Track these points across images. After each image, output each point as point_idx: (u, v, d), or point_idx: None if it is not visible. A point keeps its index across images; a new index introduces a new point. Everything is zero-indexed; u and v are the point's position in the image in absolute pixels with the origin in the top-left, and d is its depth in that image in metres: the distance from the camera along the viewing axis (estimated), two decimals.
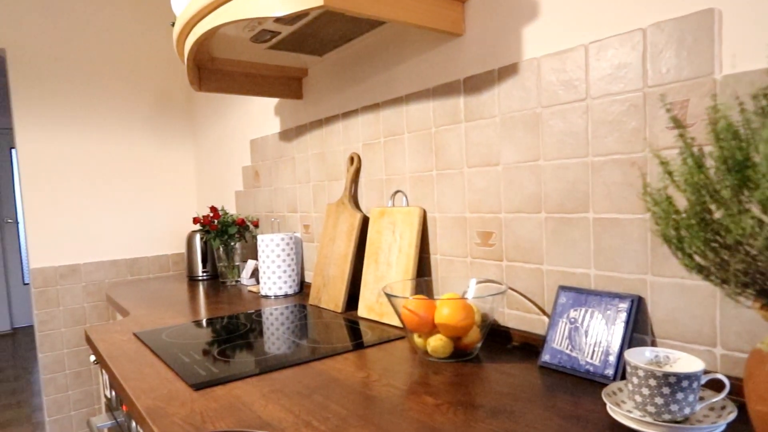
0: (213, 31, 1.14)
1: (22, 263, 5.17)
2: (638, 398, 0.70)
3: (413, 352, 1.11)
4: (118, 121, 2.72)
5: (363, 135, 1.53)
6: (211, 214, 2.06)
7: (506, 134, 1.10)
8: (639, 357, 0.76)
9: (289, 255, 1.80)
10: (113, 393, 1.26)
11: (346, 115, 1.59)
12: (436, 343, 1.04)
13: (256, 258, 2.20)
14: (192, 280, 2.32)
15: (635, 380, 0.71)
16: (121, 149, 2.73)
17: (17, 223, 5.11)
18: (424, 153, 1.32)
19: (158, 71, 2.83)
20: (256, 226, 2.16)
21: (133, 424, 1.06)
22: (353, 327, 1.34)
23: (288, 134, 1.91)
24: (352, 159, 1.57)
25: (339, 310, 1.51)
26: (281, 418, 0.80)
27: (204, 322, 1.47)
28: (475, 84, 1.16)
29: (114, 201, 2.72)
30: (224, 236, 2.05)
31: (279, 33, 1.35)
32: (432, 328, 1.05)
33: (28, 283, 5.22)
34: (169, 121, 2.88)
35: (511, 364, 1.01)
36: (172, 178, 2.90)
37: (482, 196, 1.17)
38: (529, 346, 1.10)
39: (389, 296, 1.07)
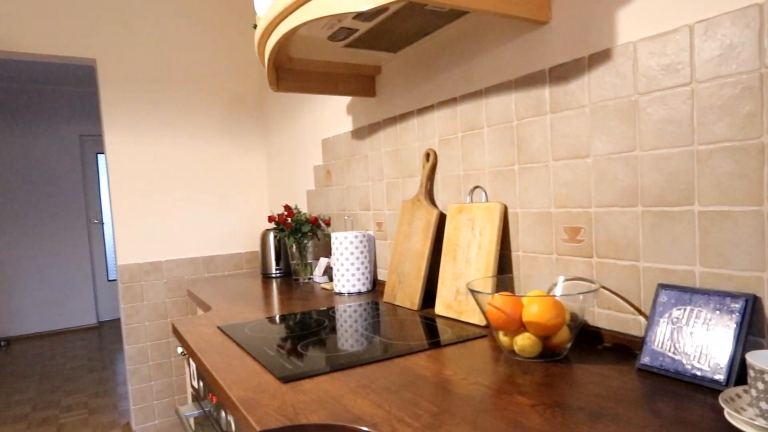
0: (295, 30, 1.16)
1: (106, 261, 5.52)
2: (764, 405, 0.64)
3: (497, 351, 1.07)
4: (195, 125, 2.84)
5: (439, 130, 1.51)
6: (286, 213, 2.11)
7: (597, 124, 1.05)
8: (764, 361, 0.69)
9: (362, 252, 1.81)
10: (201, 383, 1.31)
11: (422, 111, 1.58)
12: (524, 341, 1.00)
13: (327, 256, 2.23)
14: (266, 277, 2.39)
15: (761, 385, 0.65)
16: (198, 152, 2.85)
17: (102, 223, 5.47)
18: (505, 147, 1.28)
19: (231, 76, 2.94)
20: (328, 224, 2.19)
21: (223, 414, 1.09)
22: (430, 324, 1.32)
23: (360, 132, 1.92)
24: (427, 155, 1.55)
25: (415, 308, 1.50)
26: (372, 413, 0.80)
27: (281, 318, 1.50)
28: (561, 73, 1.11)
29: (192, 201, 2.84)
30: (298, 234, 2.09)
31: (356, 30, 1.35)
32: (519, 327, 1.01)
33: (111, 280, 5.57)
34: (241, 124, 2.98)
35: (604, 365, 0.95)
36: (245, 178, 3.00)
37: (570, 190, 1.12)
38: (623, 348, 1.04)
39: (473, 292, 1.04)
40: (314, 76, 1.64)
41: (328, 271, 2.10)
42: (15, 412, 3.22)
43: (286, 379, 0.96)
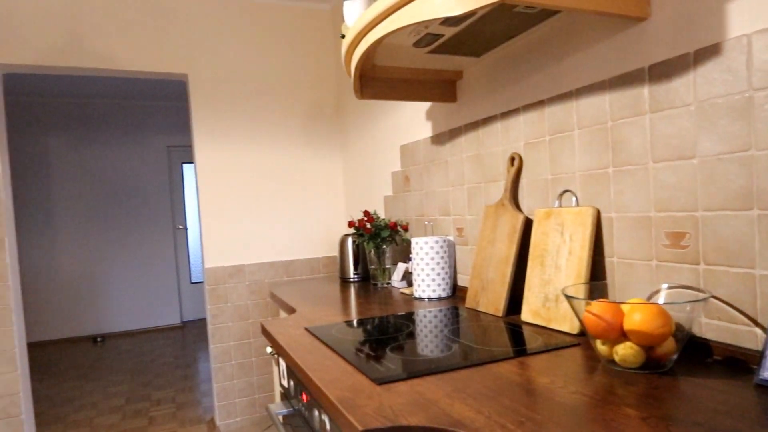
0: (384, 37, 1.18)
1: (189, 265, 5.84)
2: None
3: (592, 360, 1.03)
4: (277, 134, 2.96)
5: (525, 134, 1.48)
6: (365, 218, 2.14)
7: (704, 123, 0.99)
8: None
9: (442, 258, 1.80)
10: (291, 382, 1.35)
11: (506, 115, 1.56)
12: (626, 351, 0.96)
13: (405, 261, 2.24)
14: (344, 281, 2.43)
15: None
16: (279, 160, 2.96)
17: (186, 229, 5.79)
18: (598, 149, 1.24)
19: (310, 86, 3.03)
20: (406, 229, 2.20)
21: (316, 413, 1.11)
22: (516, 331, 1.29)
23: (440, 138, 1.92)
24: (512, 159, 1.53)
25: (499, 314, 1.47)
26: (472, 418, 0.79)
27: (364, 321, 1.52)
28: (663, 71, 1.06)
29: (273, 208, 2.96)
30: (377, 239, 2.12)
31: (441, 36, 1.36)
32: (619, 335, 0.97)
33: (194, 282, 5.88)
34: (320, 132, 3.06)
35: (716, 379, 0.89)
36: (322, 185, 3.08)
37: (672, 193, 1.06)
38: (736, 361, 0.97)
39: (569, 298, 1.01)
40: (396, 83, 1.66)
41: (406, 276, 2.11)
42: (111, 404, 3.46)
43: (380, 381, 0.97)
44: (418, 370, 1.02)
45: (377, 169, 2.56)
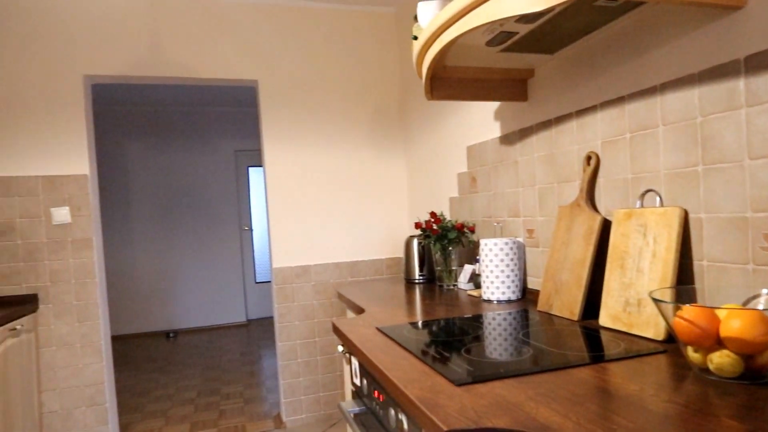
0: (459, 37, 1.17)
1: (254, 265, 6.03)
2: None
3: (682, 368, 0.98)
4: (342, 137, 3.01)
5: (602, 132, 1.43)
6: (432, 220, 2.14)
7: None
8: None
9: (512, 260, 1.77)
10: (364, 381, 1.36)
11: (581, 113, 1.51)
12: (723, 359, 0.90)
13: (471, 262, 2.22)
14: (409, 282, 2.44)
15: None
16: (344, 163, 3.01)
17: (251, 230, 5.99)
18: (686, 146, 1.18)
19: (373, 89, 3.07)
20: (473, 231, 2.18)
21: (392, 412, 1.12)
22: (593, 336, 1.25)
23: (510, 138, 1.89)
24: (588, 158, 1.48)
25: (575, 318, 1.43)
26: (560, 423, 0.77)
27: (433, 322, 1.52)
28: (761, 62, 1.00)
29: (338, 209, 3.01)
30: (443, 240, 2.11)
31: (516, 33, 1.34)
32: (713, 343, 0.92)
33: (259, 282, 6.07)
34: (384, 134, 3.09)
35: None
36: (386, 187, 3.10)
37: None
38: None
39: (658, 302, 0.96)
40: (466, 83, 1.65)
41: (473, 278, 2.09)
42: (184, 396, 3.63)
43: (459, 382, 0.97)
44: (496, 372, 1.01)
45: (442, 170, 2.55)
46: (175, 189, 5.66)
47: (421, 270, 2.39)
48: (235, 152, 5.83)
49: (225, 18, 2.81)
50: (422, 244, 2.36)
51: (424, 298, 2.00)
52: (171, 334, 5.50)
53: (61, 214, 2.56)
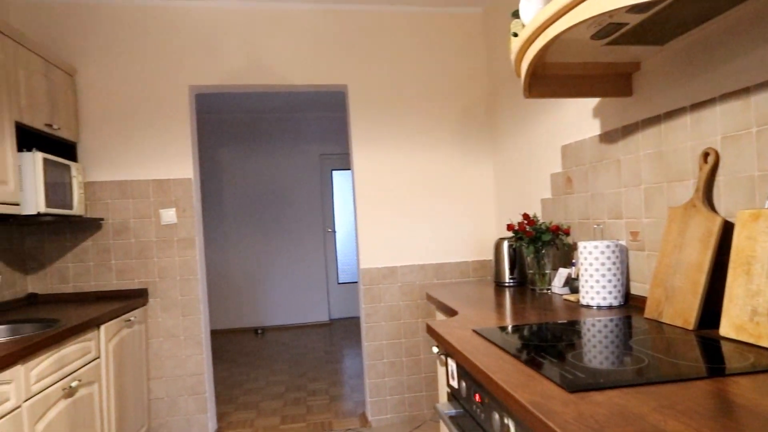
0: (565, 31, 1.13)
1: (337, 266, 6.18)
2: None
3: None
4: (429, 139, 3.01)
5: (723, 127, 1.33)
6: (525, 221, 2.08)
7: None
8: None
9: (614, 264, 1.68)
10: (462, 383, 1.35)
11: (697, 107, 1.41)
12: None
13: (566, 266, 2.13)
14: (499, 285, 2.39)
15: None
16: (430, 165, 3.01)
17: (334, 232, 6.15)
18: None
19: (461, 90, 3.04)
20: (567, 233, 2.10)
21: (495, 415, 1.10)
22: (713, 347, 1.15)
23: (611, 135, 1.80)
24: (705, 155, 1.38)
25: (690, 327, 1.33)
26: None
27: (530, 326, 1.47)
28: None
29: (424, 211, 3.01)
30: (537, 243, 2.04)
31: (625, 24, 1.27)
32: None
33: (341, 283, 6.21)
34: (470, 135, 3.06)
35: None
36: (473, 189, 3.06)
37: None
38: None
39: None
40: (566, 79, 1.59)
41: (569, 282, 2.01)
42: (273, 391, 3.78)
43: (572, 388, 0.93)
44: (612, 380, 0.96)
45: (533, 171, 2.47)
46: (264, 192, 5.92)
47: (511, 273, 2.34)
48: (320, 156, 6.02)
49: (316, 27, 2.91)
50: (513, 246, 2.30)
51: (516, 301, 1.95)
52: (259, 331, 5.76)
53: (169, 215, 2.76)
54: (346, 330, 5.70)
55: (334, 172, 6.12)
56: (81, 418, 2.02)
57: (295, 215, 5.97)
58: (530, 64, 1.35)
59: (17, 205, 2.12)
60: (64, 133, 2.54)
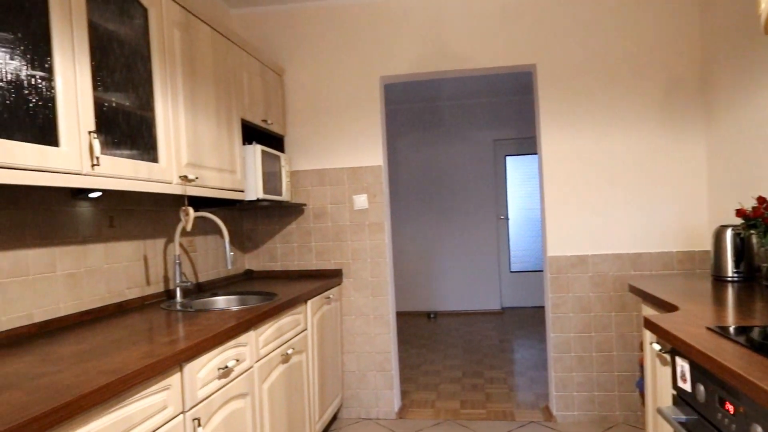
0: None
1: (509, 254, 6.04)
2: None
3: None
4: (625, 118, 2.75)
5: None
6: (761, 206, 1.78)
7: None
8: None
9: None
10: (699, 387, 1.20)
11: None
12: None
13: None
14: (717, 279, 2.09)
15: None
16: (627, 145, 2.75)
17: (507, 219, 6.01)
18: None
19: (665, 62, 2.71)
20: None
21: (759, 429, 0.95)
22: None
23: None
24: None
25: None
26: None
27: None
28: None
29: (619, 196, 2.76)
30: None
31: None
32: None
33: (514, 271, 6.06)
34: (676, 112, 2.72)
35: None
36: (678, 171, 2.73)
37: None
38: None
39: None
40: None
41: None
42: (451, 375, 3.83)
43: None
44: None
45: (765, 150, 2.10)
46: (437, 179, 6.01)
47: (736, 266, 2.03)
48: (493, 141, 5.91)
49: (504, 6, 2.82)
50: (741, 235, 1.99)
51: (749, 298, 1.68)
52: (432, 315, 5.89)
53: (361, 201, 2.94)
54: (519, 320, 5.55)
55: (507, 158, 5.97)
56: (293, 383, 2.25)
57: (467, 202, 5.97)
58: None
59: (242, 191, 2.43)
60: (275, 128, 2.85)
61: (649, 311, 1.95)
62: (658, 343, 1.41)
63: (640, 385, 2.63)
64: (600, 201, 2.78)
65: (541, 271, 6.03)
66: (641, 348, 2.74)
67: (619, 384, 2.80)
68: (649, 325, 1.43)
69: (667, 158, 2.73)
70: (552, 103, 2.79)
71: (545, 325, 3.00)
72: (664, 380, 1.59)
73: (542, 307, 6.05)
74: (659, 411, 1.32)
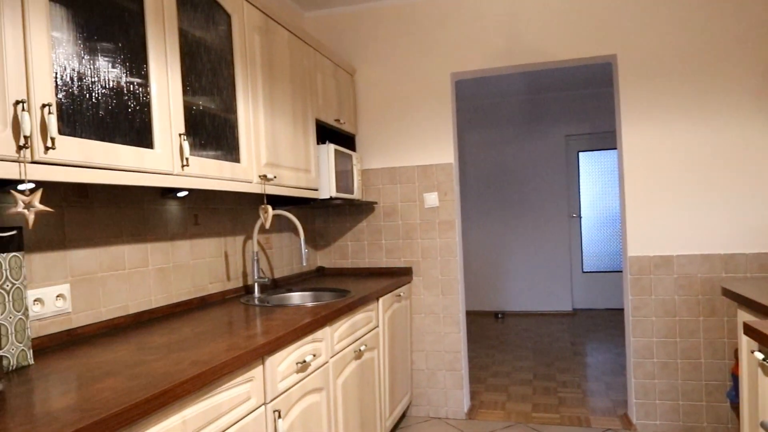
0: None
1: (582, 254, 5.81)
2: None
3: None
4: (716, 109, 2.57)
5: None
6: None
7: None
8: None
9: None
10: None
11: None
12: None
13: None
14: None
15: None
16: (717, 138, 2.57)
17: (580, 217, 5.78)
18: None
19: (762, 46, 2.50)
20: None
21: None
22: None
23: None
24: None
25: None
26: None
27: None
28: None
29: (708, 193, 2.59)
30: None
31: None
32: None
33: (586, 272, 5.83)
34: None
35: None
36: None
37: None
38: None
39: None
40: None
41: None
42: (520, 376, 3.74)
43: None
44: None
45: None
46: (506, 176, 5.88)
47: None
48: (565, 137, 5.71)
49: None
50: None
51: None
52: (499, 315, 5.78)
53: (431, 199, 2.93)
54: (592, 322, 5.34)
55: (581, 154, 5.75)
56: (366, 379, 2.28)
57: (537, 199, 5.80)
58: None
59: (316, 190, 2.48)
60: (347, 127, 2.89)
61: (746, 317, 1.81)
62: (760, 351, 1.31)
63: (732, 396, 2.45)
64: (686, 198, 2.61)
65: (615, 271, 5.76)
66: (735, 356, 2.56)
67: (708, 394, 2.63)
68: (751, 331, 1.32)
69: (763, 151, 2.52)
70: (634, 95, 2.65)
71: (622, 328, 2.85)
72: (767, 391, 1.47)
73: (616, 310, 5.78)
74: (762, 425, 1.22)
